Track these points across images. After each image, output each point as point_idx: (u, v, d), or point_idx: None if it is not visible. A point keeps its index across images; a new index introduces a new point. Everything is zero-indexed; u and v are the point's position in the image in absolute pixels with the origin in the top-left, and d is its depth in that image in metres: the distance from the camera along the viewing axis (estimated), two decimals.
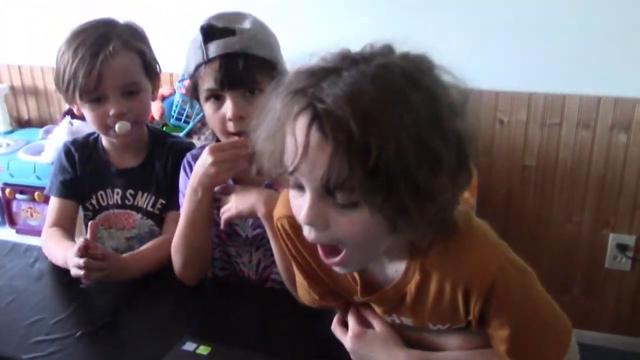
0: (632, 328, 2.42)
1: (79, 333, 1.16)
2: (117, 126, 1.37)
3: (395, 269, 0.94)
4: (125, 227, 1.49)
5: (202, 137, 2.28)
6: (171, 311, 1.26)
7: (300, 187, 0.82)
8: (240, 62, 1.17)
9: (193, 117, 2.31)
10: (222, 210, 1.24)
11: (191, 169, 1.35)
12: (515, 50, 2.21)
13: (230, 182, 1.31)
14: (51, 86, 2.99)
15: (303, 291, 1.09)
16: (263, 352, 1.08)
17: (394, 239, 0.86)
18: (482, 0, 2.21)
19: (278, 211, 1.02)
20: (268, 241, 1.27)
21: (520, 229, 2.40)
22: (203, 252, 1.31)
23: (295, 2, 2.44)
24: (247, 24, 1.20)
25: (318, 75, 0.78)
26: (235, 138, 1.22)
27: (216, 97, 1.21)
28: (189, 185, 1.26)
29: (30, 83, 3.02)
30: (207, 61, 1.18)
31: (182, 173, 1.37)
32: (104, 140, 1.50)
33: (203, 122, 2.29)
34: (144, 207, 1.46)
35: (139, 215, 1.47)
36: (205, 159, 1.21)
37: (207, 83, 1.19)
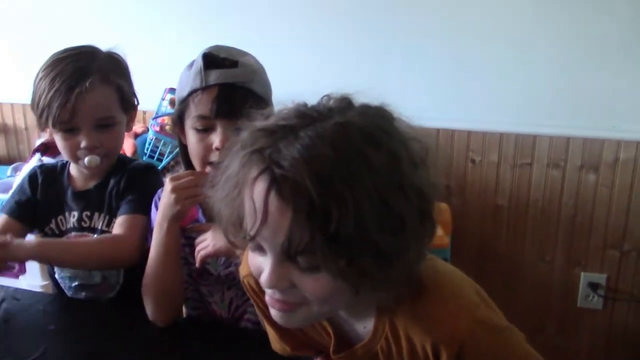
0: None
1: None
2: (86, 159, 1.36)
3: (364, 325, 0.92)
4: None
5: None
6: (145, 354, 1.22)
7: (260, 249, 0.79)
8: (239, 94, 1.17)
9: (166, 154, 2.29)
10: (199, 248, 1.22)
11: None
12: (486, 90, 2.25)
13: (203, 219, 1.29)
14: (20, 123, 2.95)
15: (275, 342, 1.06)
16: None
17: (359, 299, 0.83)
18: (453, 41, 2.25)
19: (243, 269, 1.00)
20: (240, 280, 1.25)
21: (494, 269, 2.41)
22: (173, 291, 1.28)
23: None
24: (248, 60, 1.21)
25: (275, 134, 0.75)
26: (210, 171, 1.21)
27: (205, 127, 1.19)
28: (155, 223, 1.24)
29: None
30: (205, 88, 1.17)
31: (153, 209, 1.35)
32: (72, 167, 1.49)
33: (176, 160, 2.27)
34: (100, 227, 1.44)
35: (95, 236, 1.43)
36: (166, 189, 1.21)
37: (200, 110, 1.18)
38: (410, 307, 0.86)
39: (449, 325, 0.84)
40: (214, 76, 1.17)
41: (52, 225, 1.47)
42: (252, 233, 0.76)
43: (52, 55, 1.37)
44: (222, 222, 0.83)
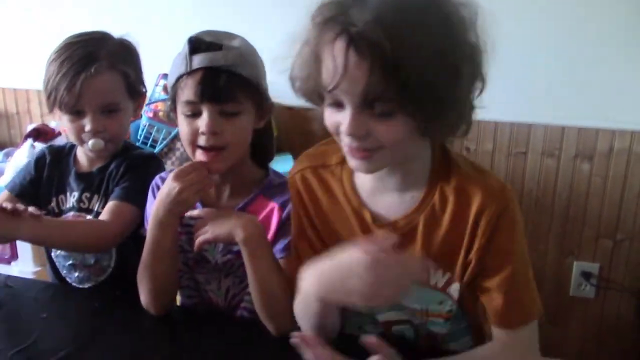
0: (597, 356, 2.44)
1: None
2: (90, 143, 1.39)
3: (412, 195, 1.08)
4: None
5: (169, 162, 2.25)
6: (137, 343, 1.21)
7: (337, 105, 0.95)
8: (223, 77, 1.15)
9: (159, 141, 2.27)
10: (197, 233, 1.20)
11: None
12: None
13: (199, 206, 1.28)
14: (11, 108, 2.93)
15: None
16: None
17: (414, 167, 1.05)
18: None
19: (299, 165, 1.20)
20: (238, 268, 1.25)
21: None
22: (169, 280, 1.27)
23: None
24: (235, 43, 1.19)
25: (344, 4, 0.91)
26: (199, 155, 1.20)
27: (193, 111, 1.18)
28: (153, 216, 1.22)
29: None
30: (190, 72, 1.16)
31: (149, 195, 1.34)
32: (79, 150, 1.51)
33: (170, 147, 2.27)
34: (96, 209, 1.45)
35: (91, 218, 1.44)
36: (170, 187, 1.18)
37: (187, 95, 1.17)
38: (464, 173, 1.06)
39: (499, 188, 1.05)
40: (198, 60, 1.16)
41: (53, 204, 1.49)
42: (332, 86, 0.91)
43: (65, 39, 1.40)
44: (299, 85, 1.01)
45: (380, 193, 1.11)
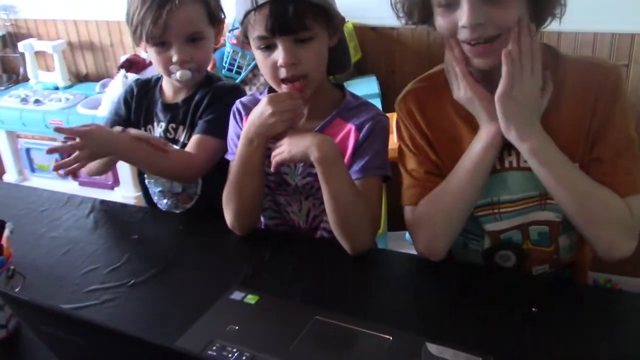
0: None
1: (131, 282, 1.17)
2: (178, 74, 1.42)
3: None
4: None
5: (254, 88, 2.27)
6: (221, 261, 1.26)
7: (450, 5, 1.03)
8: (290, 7, 1.13)
9: (244, 67, 2.29)
10: (274, 153, 1.22)
11: (240, 116, 1.34)
12: None
13: None
14: (106, 41, 3.02)
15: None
16: (311, 303, 1.07)
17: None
18: None
19: (411, 86, 1.25)
20: (317, 190, 1.25)
21: None
22: (255, 200, 1.30)
23: None
24: None
25: None
26: (284, 87, 1.21)
27: (267, 45, 1.18)
28: (243, 134, 1.24)
29: (86, 38, 3.06)
30: (257, 7, 1.15)
31: (231, 120, 1.37)
32: (165, 81, 1.55)
33: (254, 73, 2.27)
34: (182, 140, 1.50)
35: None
36: (263, 109, 1.20)
37: (258, 30, 1.17)
38: (574, 61, 1.15)
39: (612, 67, 1.13)
40: None
41: None
42: None
43: None
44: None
45: (492, 89, 1.12)
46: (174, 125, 1.50)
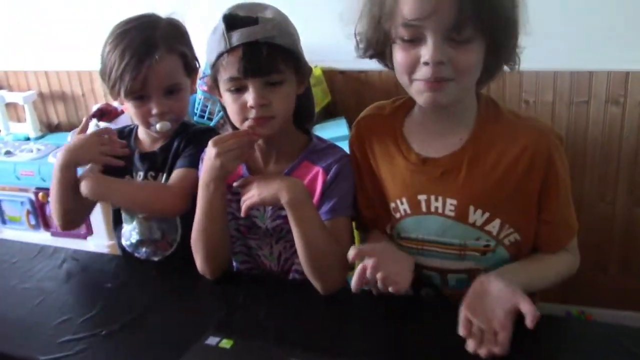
0: None
1: (105, 331, 1.17)
2: (158, 125, 1.43)
3: (459, 137, 1.18)
4: None
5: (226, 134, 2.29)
6: (194, 306, 1.26)
7: (413, 40, 1.05)
8: (263, 50, 1.16)
9: (215, 113, 2.31)
10: (244, 198, 1.24)
11: None
12: (537, 27, 2.15)
13: (246, 173, 1.31)
14: (77, 90, 3.04)
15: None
16: (285, 344, 1.07)
17: (466, 105, 1.17)
18: None
19: (363, 113, 1.33)
20: (288, 232, 1.27)
21: None
22: (221, 245, 1.31)
23: None
24: (268, 14, 1.20)
25: None
26: (246, 123, 1.23)
27: (237, 87, 1.20)
28: (200, 180, 1.26)
29: (57, 88, 3.07)
30: (230, 50, 1.18)
31: (200, 165, 1.38)
32: (140, 131, 1.56)
33: (225, 120, 2.30)
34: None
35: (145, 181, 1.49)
36: (209, 152, 1.22)
37: (230, 72, 1.19)
38: (509, 119, 1.18)
39: (543, 131, 1.16)
40: (237, 37, 1.17)
41: None
42: (421, 15, 1.01)
43: (116, 26, 1.42)
44: (366, 26, 1.12)
45: (428, 137, 1.22)
46: (152, 173, 1.51)
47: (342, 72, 2.50)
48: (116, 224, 1.60)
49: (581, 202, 2.32)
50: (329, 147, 1.33)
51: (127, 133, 1.59)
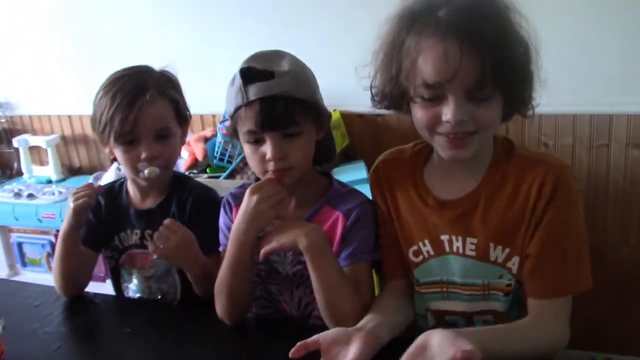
0: None
1: None
2: (146, 171, 1.41)
3: (475, 178, 1.19)
4: (144, 267, 1.52)
5: (245, 177, 2.30)
6: (215, 352, 1.25)
7: (434, 99, 1.06)
8: (280, 104, 1.17)
9: (235, 156, 2.33)
10: (262, 243, 1.23)
11: (230, 207, 1.36)
12: (557, 70, 2.15)
13: None
14: None
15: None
16: None
17: (485, 152, 1.18)
18: None
19: (383, 157, 1.34)
20: (308, 278, 1.26)
21: None
22: (245, 293, 1.30)
23: None
24: (285, 65, 1.21)
25: (428, 3, 1.05)
26: (268, 175, 1.24)
27: (256, 139, 1.22)
28: (233, 232, 1.25)
29: (80, 132, 3.11)
30: (247, 104, 1.19)
31: (221, 212, 1.39)
32: (129, 184, 1.55)
33: (245, 162, 2.31)
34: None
35: (155, 255, 1.46)
36: (248, 201, 1.22)
37: (247, 125, 1.20)
38: (523, 155, 1.18)
39: (557, 162, 1.15)
40: (253, 91, 1.18)
41: (116, 241, 1.55)
42: (445, 79, 1.02)
43: (110, 75, 1.44)
44: (387, 90, 1.13)
45: (446, 180, 1.23)
46: (149, 231, 1.49)
47: (361, 116, 2.52)
48: (115, 278, 1.60)
49: (604, 247, 2.29)
50: (350, 192, 1.33)
51: (117, 188, 1.58)
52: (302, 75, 1.23)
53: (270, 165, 1.21)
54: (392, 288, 1.29)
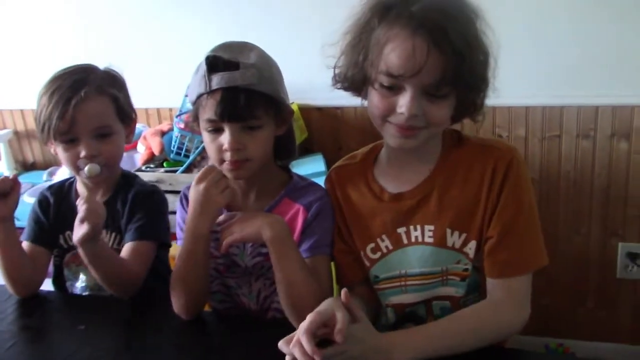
0: None
1: None
2: (86, 168, 1.39)
3: (428, 167, 1.22)
4: None
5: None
6: (172, 347, 1.24)
7: (393, 88, 1.08)
8: (242, 97, 1.17)
9: (192, 150, 2.31)
10: (224, 235, 1.23)
11: (187, 201, 1.35)
12: (508, 63, 2.19)
13: (224, 211, 1.30)
14: None
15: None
16: None
17: (434, 143, 1.21)
18: None
19: (335, 165, 1.35)
20: (268, 270, 1.27)
21: None
22: (202, 287, 1.29)
23: None
24: (252, 58, 1.20)
25: (402, 1, 1.07)
26: (226, 167, 1.23)
27: (215, 128, 1.21)
28: (187, 226, 1.25)
29: (33, 127, 3.03)
30: (209, 92, 1.18)
31: (178, 206, 1.38)
32: (78, 184, 1.53)
33: (203, 156, 2.30)
34: (110, 245, 1.47)
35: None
36: (197, 189, 1.23)
37: (208, 113, 1.20)
38: (472, 144, 1.22)
39: (506, 147, 1.20)
40: (216, 80, 1.17)
41: (61, 241, 1.52)
42: (409, 73, 1.04)
43: (52, 74, 1.42)
44: (349, 74, 1.15)
45: (398, 172, 1.26)
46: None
47: (319, 109, 2.53)
48: (58, 283, 1.56)
49: (557, 236, 2.35)
50: (310, 185, 1.34)
51: (67, 187, 1.56)
52: (267, 69, 1.22)
53: (227, 156, 1.21)
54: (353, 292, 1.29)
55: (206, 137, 1.24)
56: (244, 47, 1.23)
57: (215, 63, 1.19)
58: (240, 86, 1.17)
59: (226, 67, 1.18)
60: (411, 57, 1.04)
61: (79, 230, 1.26)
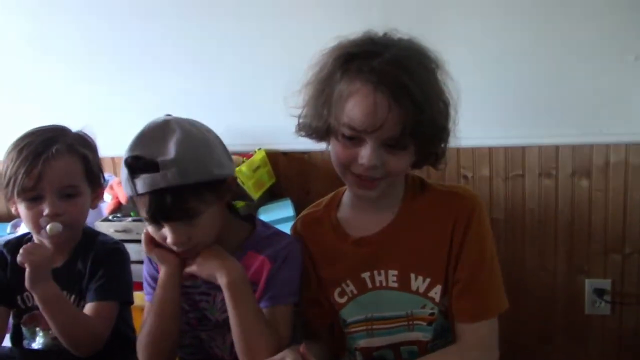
0: None
1: None
2: (48, 227, 1.34)
3: (391, 212, 1.23)
4: (49, 327, 1.40)
5: None
6: None
7: (352, 139, 1.10)
8: (168, 197, 1.12)
9: None
10: (187, 264, 1.23)
11: None
12: (470, 105, 2.22)
13: None
14: None
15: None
16: None
17: (396, 189, 1.22)
18: None
19: (303, 212, 1.36)
20: None
21: None
22: (172, 343, 1.26)
23: None
24: (171, 151, 1.13)
25: (364, 49, 1.09)
26: None
27: (156, 224, 1.18)
28: (160, 278, 1.24)
29: None
30: (138, 195, 1.15)
31: (146, 261, 1.35)
32: (36, 240, 1.47)
33: None
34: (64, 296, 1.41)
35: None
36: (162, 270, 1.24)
37: (143, 213, 1.17)
38: (435, 190, 1.23)
39: (466, 197, 1.20)
40: (140, 185, 1.13)
41: (19, 301, 1.47)
42: (369, 128, 1.06)
43: (22, 133, 1.40)
44: (312, 124, 1.16)
45: (362, 218, 1.26)
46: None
47: (285, 154, 2.54)
48: (15, 335, 1.51)
49: (524, 273, 2.38)
50: (274, 234, 1.32)
51: (25, 243, 1.45)
52: (190, 158, 1.14)
53: (175, 249, 1.20)
54: (316, 337, 1.30)
55: (152, 228, 1.20)
56: (164, 134, 1.16)
57: (134, 166, 1.14)
58: (165, 187, 1.12)
59: (146, 169, 1.12)
60: (372, 113, 1.05)
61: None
